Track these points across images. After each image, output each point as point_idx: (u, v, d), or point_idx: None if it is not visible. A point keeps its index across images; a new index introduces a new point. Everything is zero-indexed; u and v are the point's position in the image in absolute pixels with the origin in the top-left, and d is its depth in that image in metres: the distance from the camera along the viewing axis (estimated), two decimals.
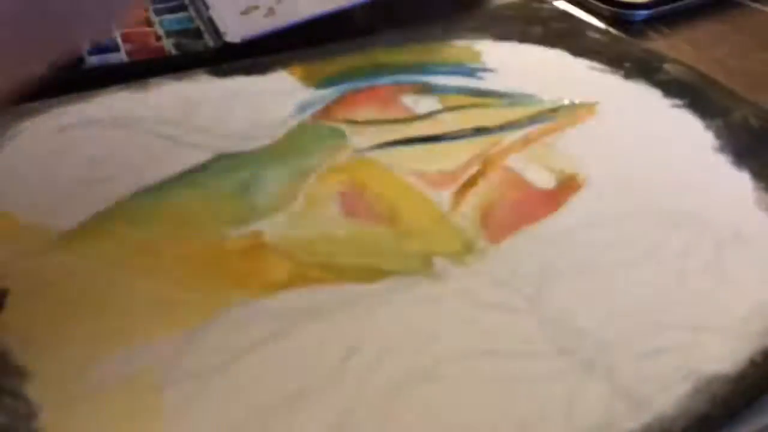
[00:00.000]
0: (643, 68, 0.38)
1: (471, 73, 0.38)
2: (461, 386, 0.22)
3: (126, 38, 0.40)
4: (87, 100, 0.34)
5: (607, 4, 0.45)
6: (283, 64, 0.37)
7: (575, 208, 0.29)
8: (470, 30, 0.41)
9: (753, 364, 0.23)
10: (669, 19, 0.44)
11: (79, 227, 0.27)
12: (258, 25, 0.41)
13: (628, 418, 0.21)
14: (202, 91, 0.35)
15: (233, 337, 0.23)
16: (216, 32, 0.40)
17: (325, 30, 0.40)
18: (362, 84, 0.36)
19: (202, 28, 0.41)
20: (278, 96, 0.35)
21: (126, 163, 0.31)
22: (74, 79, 0.37)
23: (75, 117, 0.33)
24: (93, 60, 0.38)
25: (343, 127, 0.33)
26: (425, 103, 0.35)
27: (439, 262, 0.26)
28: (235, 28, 0.40)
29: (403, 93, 0.36)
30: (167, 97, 0.35)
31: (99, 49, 0.39)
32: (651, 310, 0.25)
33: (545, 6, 0.45)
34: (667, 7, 0.45)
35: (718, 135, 0.33)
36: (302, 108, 0.34)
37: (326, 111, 0.34)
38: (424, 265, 0.26)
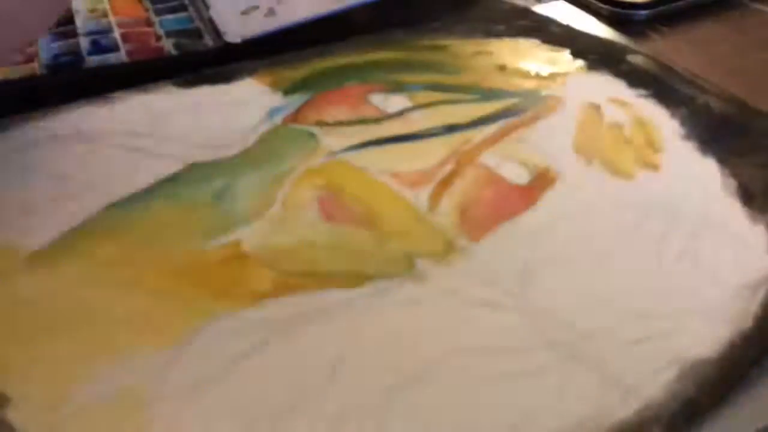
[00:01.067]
0: (606, 60, 0.38)
1: (439, 69, 0.38)
2: (452, 386, 0.22)
3: (126, 38, 0.40)
4: (50, 117, 0.33)
5: (607, 4, 0.44)
6: (249, 72, 0.37)
7: (551, 201, 0.29)
8: (463, 29, 0.41)
9: (733, 346, 0.23)
10: (669, 19, 0.44)
11: (50, 246, 0.26)
12: (258, 25, 0.41)
13: (619, 406, 0.21)
14: (169, 102, 0.34)
15: (219, 349, 0.23)
16: (216, 32, 0.40)
17: (325, 30, 0.40)
18: (330, 85, 0.36)
19: (202, 28, 0.41)
20: (247, 103, 0.34)
21: (95, 177, 0.30)
22: (74, 80, 0.37)
23: (40, 133, 0.32)
24: (93, 60, 0.38)
25: (315, 129, 0.33)
26: (395, 102, 0.35)
27: (421, 263, 0.26)
28: (235, 28, 0.40)
29: (373, 92, 0.35)
30: (133, 109, 0.34)
31: (99, 49, 0.39)
32: (632, 298, 0.25)
33: (505, 2, 0.45)
34: (667, 7, 0.44)
35: (683, 123, 0.33)
36: (272, 113, 0.34)
37: (296, 115, 0.34)
38: (406, 267, 0.26)
